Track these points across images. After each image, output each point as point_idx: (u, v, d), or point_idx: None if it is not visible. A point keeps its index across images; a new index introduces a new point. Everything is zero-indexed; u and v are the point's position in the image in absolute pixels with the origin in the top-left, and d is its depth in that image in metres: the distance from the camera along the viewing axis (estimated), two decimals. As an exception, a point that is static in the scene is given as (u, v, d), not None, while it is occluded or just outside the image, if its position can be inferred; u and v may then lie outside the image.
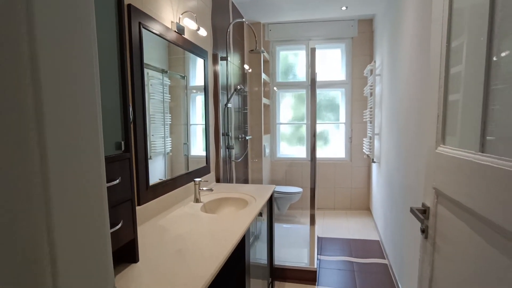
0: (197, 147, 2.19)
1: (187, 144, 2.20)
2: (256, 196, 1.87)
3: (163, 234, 1.27)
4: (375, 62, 3.47)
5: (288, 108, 4.31)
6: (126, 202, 0.92)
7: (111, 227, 0.81)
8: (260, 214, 1.76)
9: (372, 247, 3.02)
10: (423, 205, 0.98)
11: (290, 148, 4.36)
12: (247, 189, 2.09)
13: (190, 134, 2.12)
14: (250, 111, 3.46)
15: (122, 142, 0.90)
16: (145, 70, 1.47)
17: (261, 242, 2.12)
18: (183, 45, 1.85)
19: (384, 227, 2.96)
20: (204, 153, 2.23)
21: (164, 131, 1.74)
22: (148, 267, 0.97)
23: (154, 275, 0.92)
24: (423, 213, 0.96)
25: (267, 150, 3.94)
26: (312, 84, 2.32)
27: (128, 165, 0.92)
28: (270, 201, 2.15)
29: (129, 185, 0.93)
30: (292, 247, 2.80)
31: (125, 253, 0.97)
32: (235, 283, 1.45)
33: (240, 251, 1.42)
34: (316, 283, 2.37)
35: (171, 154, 1.97)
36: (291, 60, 4.24)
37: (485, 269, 0.64)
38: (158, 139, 1.71)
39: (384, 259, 2.75)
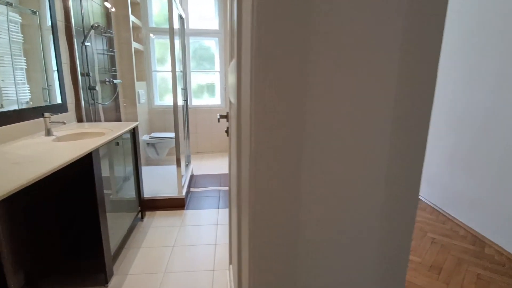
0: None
1: (47, 89, 2.09)
2: (116, 129, 1.99)
3: (3, 155, 1.30)
4: (242, 13, 3.76)
5: (166, 55, 4.31)
6: None
7: None
8: (117, 143, 1.90)
9: (238, 178, 3.54)
10: (227, 113, 1.32)
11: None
12: (109, 125, 2.18)
13: (53, 80, 2.05)
14: (119, 56, 3.35)
15: None
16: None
17: (131, 182, 2.29)
18: (15, -33, 1.69)
19: (247, 160, 3.49)
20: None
21: (20, 77, 1.67)
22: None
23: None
24: (225, 117, 1.30)
25: (143, 97, 3.94)
26: (177, 27, 2.44)
27: None
28: (134, 137, 2.30)
29: None
30: (165, 184, 3.05)
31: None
32: (89, 219, 1.59)
33: (89, 184, 1.55)
34: (185, 208, 2.72)
35: (31, 103, 1.85)
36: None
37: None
38: (10, 86, 1.62)
39: (246, 185, 3.29)
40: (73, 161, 1.27)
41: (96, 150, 1.54)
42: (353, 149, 0.60)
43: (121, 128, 2.03)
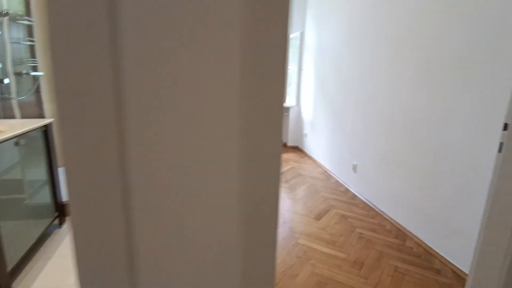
0: None
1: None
2: (21, 127, 1.77)
3: None
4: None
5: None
6: None
7: None
8: (17, 143, 1.69)
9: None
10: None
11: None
12: (16, 122, 1.94)
13: None
14: (43, 46, 3.04)
15: None
16: None
17: (43, 186, 2.07)
18: None
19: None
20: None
21: None
22: None
23: None
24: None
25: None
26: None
27: None
28: (46, 136, 2.08)
29: None
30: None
31: None
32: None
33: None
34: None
35: None
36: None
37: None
38: None
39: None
40: None
41: (-21, 151, 1.34)
42: (192, 148, 0.53)
43: (26, 126, 1.81)
